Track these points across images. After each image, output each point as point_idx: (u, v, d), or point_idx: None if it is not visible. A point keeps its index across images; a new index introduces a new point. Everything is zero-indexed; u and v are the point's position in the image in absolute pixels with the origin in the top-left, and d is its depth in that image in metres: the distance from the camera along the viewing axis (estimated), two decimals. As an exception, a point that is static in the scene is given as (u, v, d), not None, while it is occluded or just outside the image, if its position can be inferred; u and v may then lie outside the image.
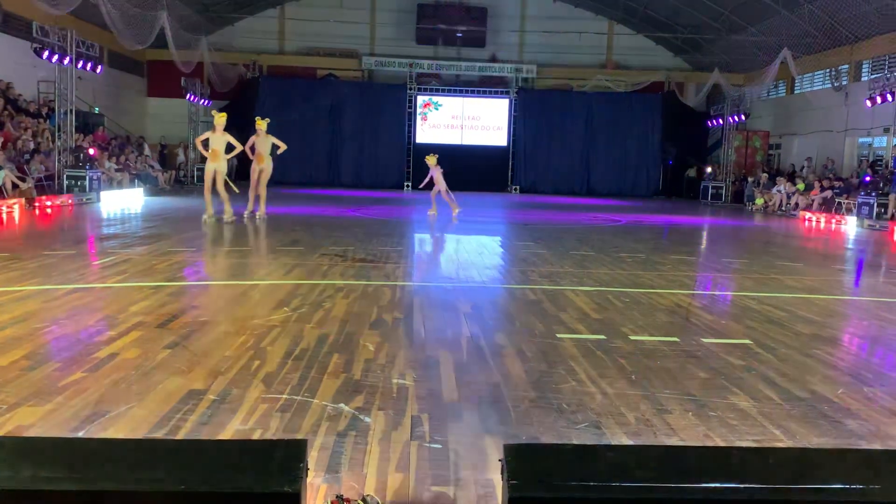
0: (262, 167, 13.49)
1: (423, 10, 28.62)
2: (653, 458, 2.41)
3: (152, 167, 23.09)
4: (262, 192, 13.67)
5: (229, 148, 12.83)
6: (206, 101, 26.59)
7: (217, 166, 12.62)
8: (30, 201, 14.87)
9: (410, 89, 28.90)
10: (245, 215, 13.65)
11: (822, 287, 8.17)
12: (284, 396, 3.77)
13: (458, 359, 4.65)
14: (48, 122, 19.36)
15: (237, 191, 13.55)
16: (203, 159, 14.06)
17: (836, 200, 19.85)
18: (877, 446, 3.39)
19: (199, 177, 25.91)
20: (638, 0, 27.22)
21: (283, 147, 13.37)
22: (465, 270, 8.57)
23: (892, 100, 18.21)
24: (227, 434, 3.27)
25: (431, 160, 15.12)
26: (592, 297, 6.85)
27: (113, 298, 6.15)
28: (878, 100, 18.68)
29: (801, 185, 21.82)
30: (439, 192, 15.28)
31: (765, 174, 24.59)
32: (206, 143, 12.65)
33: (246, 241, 10.80)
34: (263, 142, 13.45)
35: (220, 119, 12.57)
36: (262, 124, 13.37)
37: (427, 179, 15.32)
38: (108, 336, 4.85)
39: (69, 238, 10.70)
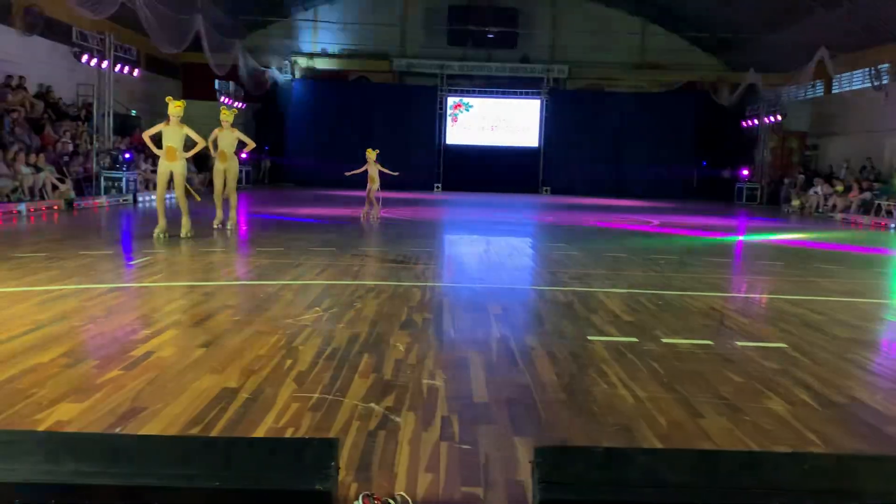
0: (227, 166, 11.49)
1: (454, 11, 28.66)
2: (685, 463, 2.39)
3: (188, 169, 23.41)
4: (232, 196, 11.69)
5: (189, 145, 10.71)
6: (241, 104, 26.93)
7: (174, 167, 10.36)
8: (69, 202, 15.19)
9: (441, 91, 28.95)
10: (214, 226, 11.68)
11: (861, 290, 8.01)
12: (316, 395, 3.81)
13: (488, 360, 4.64)
14: (86, 124, 19.75)
15: (198, 198, 11.80)
16: (155, 159, 11.47)
17: (876, 202, 19.43)
18: (917, 453, 3.32)
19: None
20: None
21: (250, 144, 11.89)
22: (495, 272, 8.56)
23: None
24: (259, 432, 3.31)
25: (371, 155, 14.08)
26: (624, 300, 6.80)
27: (149, 298, 6.25)
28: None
29: (839, 187, 21.40)
30: (371, 189, 14.21)
31: (801, 175, 24.17)
32: (157, 139, 10.23)
33: (279, 241, 10.89)
34: (227, 137, 11.41)
35: (176, 108, 10.16)
36: (227, 115, 11.38)
37: (360, 171, 14.11)
38: (144, 334, 4.94)
39: (106, 238, 10.90)
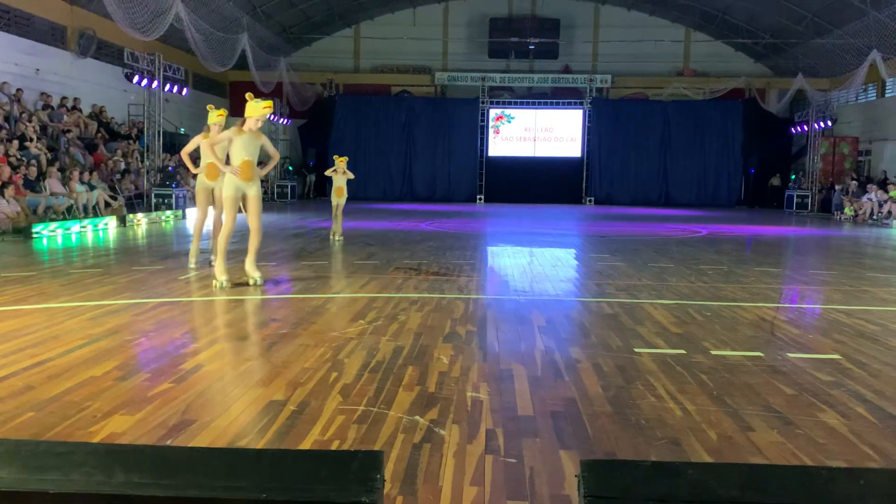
0: (215, 185, 8.62)
1: (495, 23, 28.76)
2: (735, 477, 2.33)
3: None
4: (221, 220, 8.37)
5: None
6: (286, 120, 27.40)
7: (214, 184, 8.68)
8: (121, 219, 15.62)
9: (483, 103, 29.02)
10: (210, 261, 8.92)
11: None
12: (361, 408, 3.83)
13: (533, 372, 4.62)
14: (138, 143, 20.31)
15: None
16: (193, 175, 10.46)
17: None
18: (982, 469, 3.18)
19: (279, 193, 26.79)
20: (716, 6, 26.60)
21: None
22: (539, 283, 8.51)
23: None
24: (305, 444, 3.34)
25: (341, 163, 12.34)
26: (672, 311, 6.69)
27: (197, 312, 6.38)
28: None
29: (894, 193, 20.77)
30: (339, 205, 12.52)
31: (854, 182, 23.53)
32: (197, 155, 8.70)
33: (324, 254, 11.02)
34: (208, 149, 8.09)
35: (219, 117, 8.59)
36: (216, 117, 8.82)
37: (331, 170, 12.46)
38: (193, 348, 5.03)
39: (157, 254, 11.18)
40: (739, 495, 2.16)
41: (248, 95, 7.57)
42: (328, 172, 12.63)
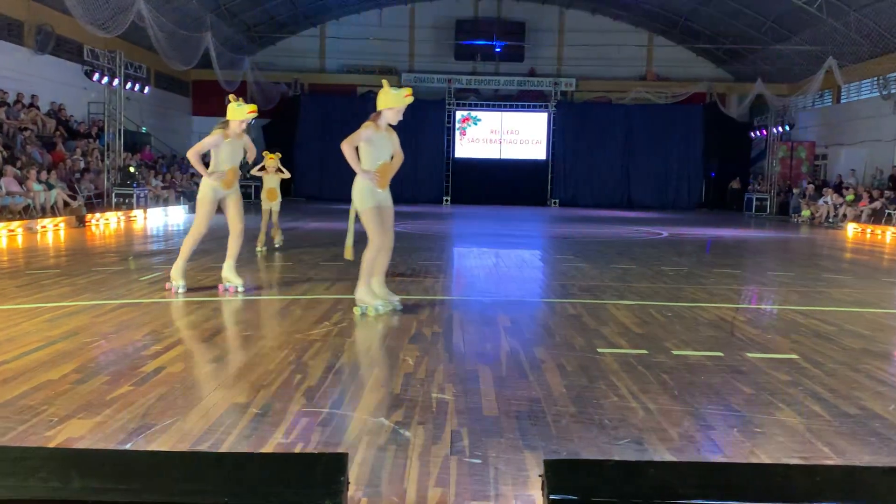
0: (230, 193, 7.51)
1: (462, 25, 28.84)
2: (696, 476, 2.37)
3: (197, 185, 23.60)
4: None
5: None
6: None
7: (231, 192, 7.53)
8: (80, 219, 15.31)
9: (449, 105, 29.07)
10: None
11: (872, 300, 7.95)
12: (326, 410, 3.81)
13: (498, 373, 4.64)
14: (97, 141, 19.94)
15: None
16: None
17: (886, 211, 19.34)
18: (931, 465, 3.28)
19: (242, 193, 26.47)
20: (678, 11, 27.02)
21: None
22: (505, 284, 8.55)
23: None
24: (269, 447, 3.31)
25: (272, 160, 11.00)
26: (634, 312, 6.78)
27: (159, 313, 6.28)
28: (929, 108, 18.21)
29: (849, 196, 21.32)
30: (273, 210, 11.13)
31: (811, 185, 24.09)
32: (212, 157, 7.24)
33: (288, 256, 10.93)
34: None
35: (249, 114, 7.13)
36: (246, 112, 7.12)
37: (258, 169, 11.00)
38: (154, 350, 4.95)
39: (117, 254, 10.98)
40: (700, 493, 2.20)
41: (230, 97, 7.19)
42: (255, 171, 10.98)
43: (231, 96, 7.18)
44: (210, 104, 27.27)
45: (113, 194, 17.93)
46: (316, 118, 28.06)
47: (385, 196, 6.36)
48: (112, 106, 18.70)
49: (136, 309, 6.44)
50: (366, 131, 6.15)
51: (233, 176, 7.19)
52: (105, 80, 18.01)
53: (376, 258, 6.30)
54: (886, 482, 2.30)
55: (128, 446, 3.28)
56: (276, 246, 11.26)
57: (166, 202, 20.13)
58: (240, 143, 7.18)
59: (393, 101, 6.26)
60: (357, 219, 6.36)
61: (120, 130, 18.96)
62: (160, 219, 17.93)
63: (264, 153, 11.20)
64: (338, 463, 2.23)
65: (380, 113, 6.21)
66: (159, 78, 25.33)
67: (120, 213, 16.89)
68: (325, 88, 29.40)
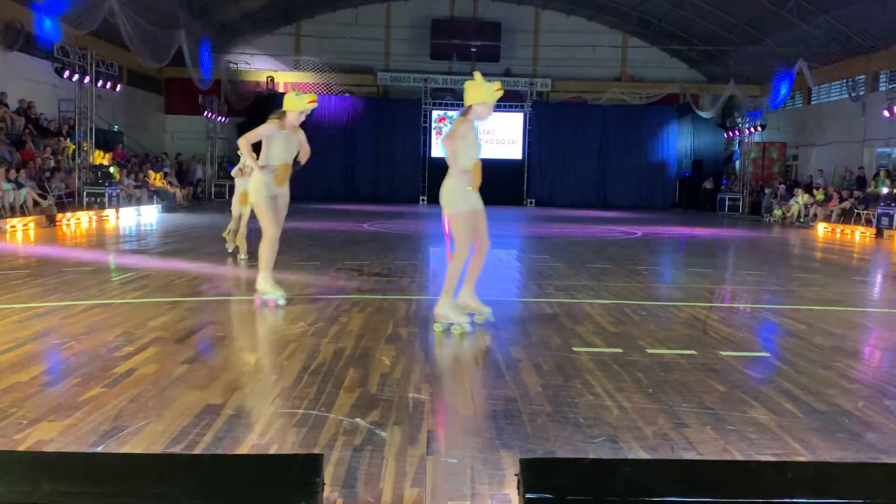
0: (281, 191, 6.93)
1: (438, 25, 28.83)
2: (670, 473, 2.39)
3: (170, 184, 23.33)
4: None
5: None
6: (224, 118, 26.91)
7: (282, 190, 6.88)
8: (50, 218, 15.06)
9: (425, 104, 29.04)
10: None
11: (842, 299, 8.08)
12: (301, 411, 3.78)
13: (474, 372, 4.64)
14: (69, 140, 19.64)
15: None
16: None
17: (855, 211, 19.67)
18: (899, 460, 3.34)
19: (216, 192, 26.24)
20: (652, 13, 27.24)
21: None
22: (481, 284, 8.54)
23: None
24: (244, 449, 3.29)
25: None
26: (609, 311, 6.82)
27: (131, 314, 6.20)
28: (896, 110, 18.59)
29: (819, 196, 21.65)
30: (243, 214, 9.62)
31: (782, 185, 24.42)
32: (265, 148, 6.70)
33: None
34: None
35: (309, 104, 6.68)
36: (305, 103, 6.66)
37: (237, 169, 9.76)
38: (126, 351, 4.89)
39: (88, 254, 10.82)
40: (674, 490, 2.22)
41: (475, 74, 6.02)
42: (235, 172, 9.81)
43: (476, 73, 6.08)
44: (183, 103, 27.02)
45: (84, 193, 17.67)
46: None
47: (279, 190, 6.57)
48: (83, 104, 18.43)
49: (107, 310, 6.36)
50: (266, 128, 6.34)
51: (285, 172, 6.59)
52: (76, 77, 17.73)
53: (272, 246, 6.54)
54: (856, 478, 2.34)
55: (99, 449, 3.23)
56: (242, 257, 9.59)
57: (139, 201, 19.88)
58: (295, 137, 6.65)
59: (295, 105, 6.26)
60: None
61: (91, 129, 18.69)
62: (133, 218, 17.71)
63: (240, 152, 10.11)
64: (313, 464, 2.22)
65: (470, 108, 5.71)
66: (132, 76, 25.00)
67: (91, 213, 16.65)
68: (300, 87, 29.22)
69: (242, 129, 30.37)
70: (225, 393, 4.03)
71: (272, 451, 3.27)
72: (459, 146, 5.67)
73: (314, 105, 6.58)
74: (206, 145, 26.70)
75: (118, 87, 20.38)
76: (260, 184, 6.41)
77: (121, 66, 22.26)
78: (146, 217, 18.30)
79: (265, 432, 3.48)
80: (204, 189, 26.39)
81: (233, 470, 2.30)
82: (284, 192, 6.69)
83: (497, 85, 5.75)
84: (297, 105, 6.48)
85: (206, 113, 25.32)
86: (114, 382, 4.17)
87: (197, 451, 3.22)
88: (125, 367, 4.51)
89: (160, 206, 20.31)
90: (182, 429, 3.49)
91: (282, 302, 6.56)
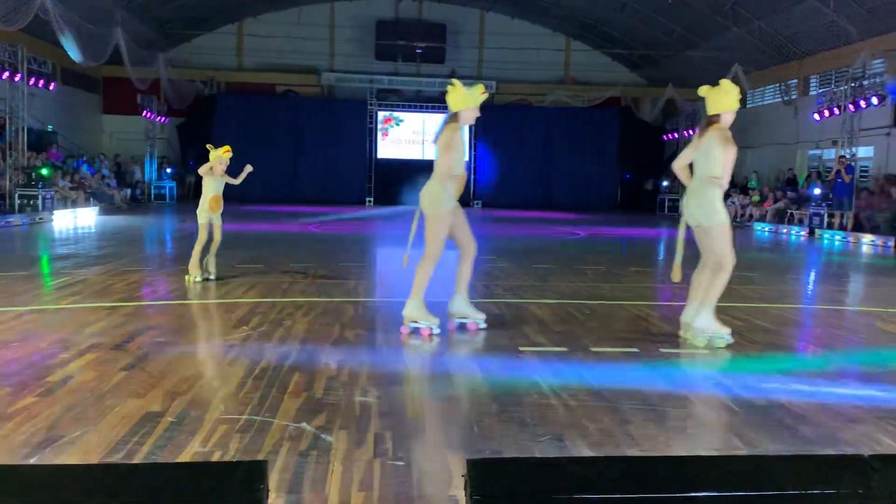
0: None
1: (383, 26, 28.72)
2: (614, 470, 2.43)
3: (108, 185, 22.68)
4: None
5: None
6: (164, 118, 26.29)
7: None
8: (-21, 221, 14.46)
9: (371, 105, 28.91)
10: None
11: (776, 296, 8.35)
12: (244, 417, 3.72)
13: (422, 374, 4.64)
14: (-1, 139, 18.90)
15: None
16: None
17: (789, 211, 20.35)
18: (830, 452, 3.47)
19: (156, 195, 25.58)
20: (594, 17, 27.69)
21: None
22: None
23: (839, 113, 18.81)
24: (185, 457, 3.21)
25: (226, 156, 8.57)
26: (554, 310, 6.90)
27: (67, 320, 6.00)
28: (826, 113, 19.32)
29: (755, 197, 22.33)
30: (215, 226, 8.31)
31: (720, 186, 25.08)
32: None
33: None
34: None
35: (481, 93, 5.96)
36: (472, 97, 5.89)
37: (208, 168, 8.54)
38: (61, 358, 4.73)
39: (21, 259, 10.43)
40: (618, 487, 2.26)
41: (454, 81, 5.93)
42: (204, 171, 8.54)
43: (454, 80, 5.97)
44: (121, 102, 26.26)
45: (16, 196, 17.02)
46: (233, 117, 27.37)
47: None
48: (14, 103, 17.76)
49: (42, 316, 6.14)
50: (452, 130, 5.70)
51: (464, 180, 6.03)
52: (6, 75, 17.08)
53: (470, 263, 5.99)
54: (792, 469, 2.41)
55: (32, 461, 3.11)
56: (211, 277, 8.15)
57: (75, 203, 19.26)
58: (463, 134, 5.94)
59: (471, 101, 5.76)
60: None
61: (23, 128, 18.02)
62: (69, 221, 17.14)
63: (219, 149, 8.62)
64: (257, 471, 2.18)
65: (457, 114, 5.70)
66: (66, 74, 24.19)
67: (24, 216, 16.05)
68: (242, 87, 28.75)
69: (182, 129, 29.44)
70: (165, 400, 3.94)
71: (215, 458, 3.20)
72: (455, 155, 5.65)
73: (486, 96, 5.97)
74: (146, 146, 26.04)
75: (52, 86, 19.71)
76: (445, 196, 5.75)
77: (55, 64, 21.54)
78: (83, 219, 17.74)
79: (207, 439, 3.41)
80: (144, 190, 25.74)
81: (173, 478, 2.24)
82: (456, 203, 5.98)
83: (480, 88, 5.76)
84: (473, 100, 5.81)
85: (144, 113, 24.70)
86: (48, 391, 4.03)
87: (136, 461, 3.13)
88: (60, 374, 4.36)
89: (98, 208, 19.71)
90: (121, 437, 3.39)
91: (436, 331, 5.74)
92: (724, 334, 5.57)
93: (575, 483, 2.25)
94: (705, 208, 5.61)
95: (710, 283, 5.67)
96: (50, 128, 22.69)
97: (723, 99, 5.73)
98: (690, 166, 5.82)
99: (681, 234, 5.83)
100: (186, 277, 7.99)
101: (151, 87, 24.23)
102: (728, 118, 5.72)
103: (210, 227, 8.24)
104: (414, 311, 5.74)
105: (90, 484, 2.19)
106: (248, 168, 8.67)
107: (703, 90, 5.73)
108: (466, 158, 5.67)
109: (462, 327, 5.90)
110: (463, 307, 5.93)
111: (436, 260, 5.82)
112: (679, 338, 5.72)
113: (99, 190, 21.56)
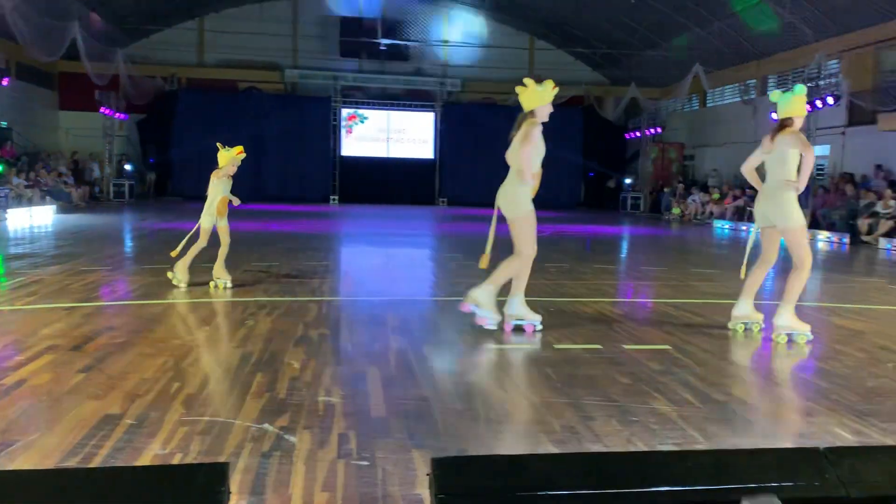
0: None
1: (347, 22, 28.55)
2: (578, 466, 2.45)
3: (65, 183, 22.18)
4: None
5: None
6: (123, 115, 25.79)
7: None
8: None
9: (335, 102, 28.73)
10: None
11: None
12: (206, 418, 3.66)
13: (386, 373, 4.62)
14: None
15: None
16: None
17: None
18: (788, 445, 3.54)
19: (115, 192, 25.09)
20: (557, 16, 27.87)
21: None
22: (394, 284, 8.54)
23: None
24: (145, 460, 3.15)
25: (241, 157, 8.25)
26: (518, 308, 6.92)
27: (22, 321, 5.85)
28: (784, 113, 19.71)
29: (715, 195, 22.70)
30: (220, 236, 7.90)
31: (681, 184, 25.47)
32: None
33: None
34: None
35: (553, 88, 6.06)
36: (545, 94, 6.00)
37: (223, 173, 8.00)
38: (16, 361, 4.61)
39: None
40: (581, 483, 2.27)
41: (526, 80, 5.88)
42: (221, 175, 8.01)
43: (527, 80, 5.93)
44: (79, 98, 25.70)
45: (-32, 194, 16.57)
46: (194, 114, 26.98)
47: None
48: (-34, 98, 17.30)
49: (-5, 317, 5.98)
50: (528, 128, 5.76)
51: (539, 177, 6.00)
52: (-43, 69, 16.63)
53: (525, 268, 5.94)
54: (752, 463, 2.45)
55: (-15, 466, 3.03)
56: (229, 284, 7.74)
57: (30, 202, 18.80)
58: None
59: (545, 98, 5.81)
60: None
61: (-25, 125, 17.56)
62: (24, 220, 16.72)
63: (219, 146, 8.16)
64: (218, 473, 2.15)
65: (533, 112, 5.77)
66: (21, 69, 23.59)
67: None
68: (203, 83, 28.33)
69: (143, 126, 28.91)
70: (124, 402, 3.86)
71: (175, 461, 3.15)
72: (533, 152, 5.69)
73: (557, 90, 5.93)
74: (104, 143, 25.52)
75: (6, 81, 19.22)
76: (524, 197, 5.83)
77: (8, 58, 21.00)
78: (39, 218, 17.32)
79: (168, 442, 3.35)
80: (102, 188, 25.23)
81: (132, 482, 2.20)
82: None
83: (551, 84, 5.79)
84: (547, 97, 5.85)
85: (102, 108, 24.20)
86: (2, 394, 3.93)
87: (94, 464, 3.07)
88: (15, 377, 4.25)
89: (55, 206, 19.27)
90: (78, 441, 3.31)
91: (539, 327, 5.85)
92: (805, 331, 5.75)
93: (539, 479, 2.26)
94: (781, 211, 5.76)
95: (791, 282, 5.84)
96: (4, 124, 22.12)
97: (530, 96, 5.77)
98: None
99: (493, 224, 5.91)
100: (211, 284, 7.69)
101: (110, 84, 23.74)
102: (799, 122, 5.82)
103: (214, 232, 7.87)
104: (521, 310, 5.80)
105: (44, 489, 2.14)
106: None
107: (775, 95, 5.86)
108: (543, 155, 5.93)
109: (518, 329, 5.85)
110: (519, 309, 5.89)
111: (526, 261, 5.84)
112: (729, 330, 6.10)
113: (56, 188, 21.09)
